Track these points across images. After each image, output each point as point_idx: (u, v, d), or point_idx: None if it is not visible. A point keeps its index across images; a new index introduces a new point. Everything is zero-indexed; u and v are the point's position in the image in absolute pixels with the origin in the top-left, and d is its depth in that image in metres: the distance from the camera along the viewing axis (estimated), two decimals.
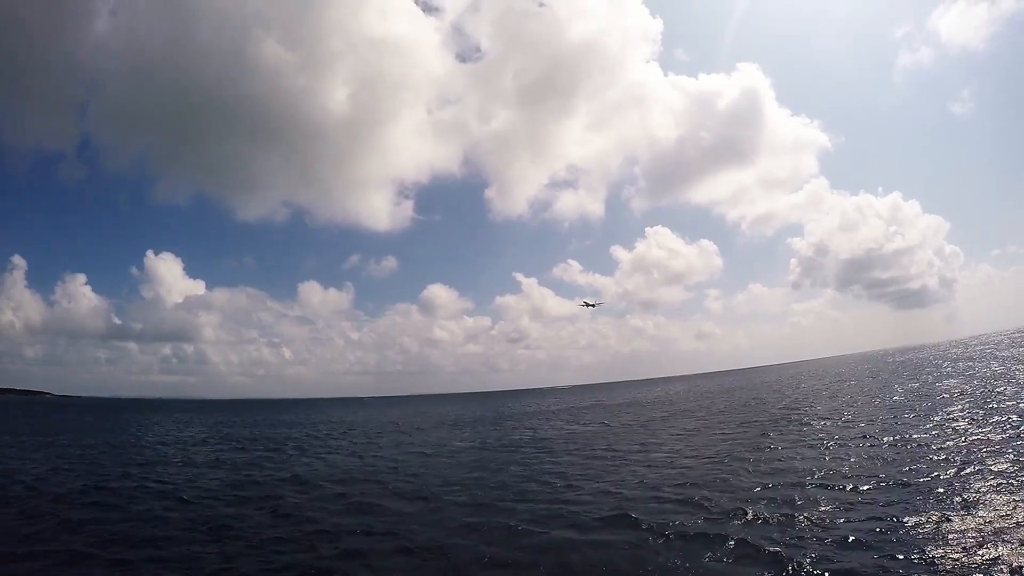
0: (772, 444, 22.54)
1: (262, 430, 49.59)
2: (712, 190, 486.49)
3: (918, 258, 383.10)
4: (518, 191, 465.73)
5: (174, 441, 39.47)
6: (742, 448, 22.23)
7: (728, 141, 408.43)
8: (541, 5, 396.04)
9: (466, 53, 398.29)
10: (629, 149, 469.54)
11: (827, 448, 20.30)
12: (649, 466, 20.15)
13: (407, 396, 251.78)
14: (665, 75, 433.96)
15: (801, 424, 28.24)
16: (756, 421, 32.04)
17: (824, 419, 29.25)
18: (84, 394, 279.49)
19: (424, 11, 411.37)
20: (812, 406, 38.10)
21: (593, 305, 70.60)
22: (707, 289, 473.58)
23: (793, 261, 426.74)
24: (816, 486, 14.80)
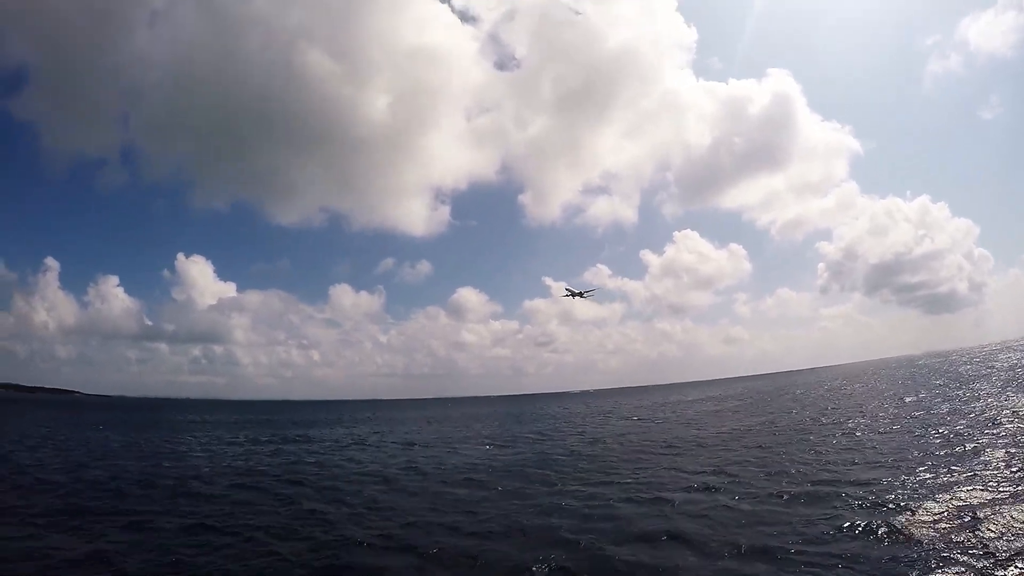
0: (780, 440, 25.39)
1: (317, 430, 52.32)
2: (743, 195, 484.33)
3: (948, 262, 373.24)
4: (553, 197, 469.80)
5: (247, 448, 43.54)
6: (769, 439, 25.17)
7: (760, 146, 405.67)
8: (577, 14, 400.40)
9: (503, 61, 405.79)
10: (662, 155, 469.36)
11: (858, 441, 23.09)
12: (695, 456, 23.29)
13: (433, 399, 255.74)
14: (697, 81, 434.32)
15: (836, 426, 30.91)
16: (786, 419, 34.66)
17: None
18: (113, 393, 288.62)
19: (461, 20, 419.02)
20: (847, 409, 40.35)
21: (580, 294, 60.55)
22: (735, 293, 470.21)
23: (821, 266, 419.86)
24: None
